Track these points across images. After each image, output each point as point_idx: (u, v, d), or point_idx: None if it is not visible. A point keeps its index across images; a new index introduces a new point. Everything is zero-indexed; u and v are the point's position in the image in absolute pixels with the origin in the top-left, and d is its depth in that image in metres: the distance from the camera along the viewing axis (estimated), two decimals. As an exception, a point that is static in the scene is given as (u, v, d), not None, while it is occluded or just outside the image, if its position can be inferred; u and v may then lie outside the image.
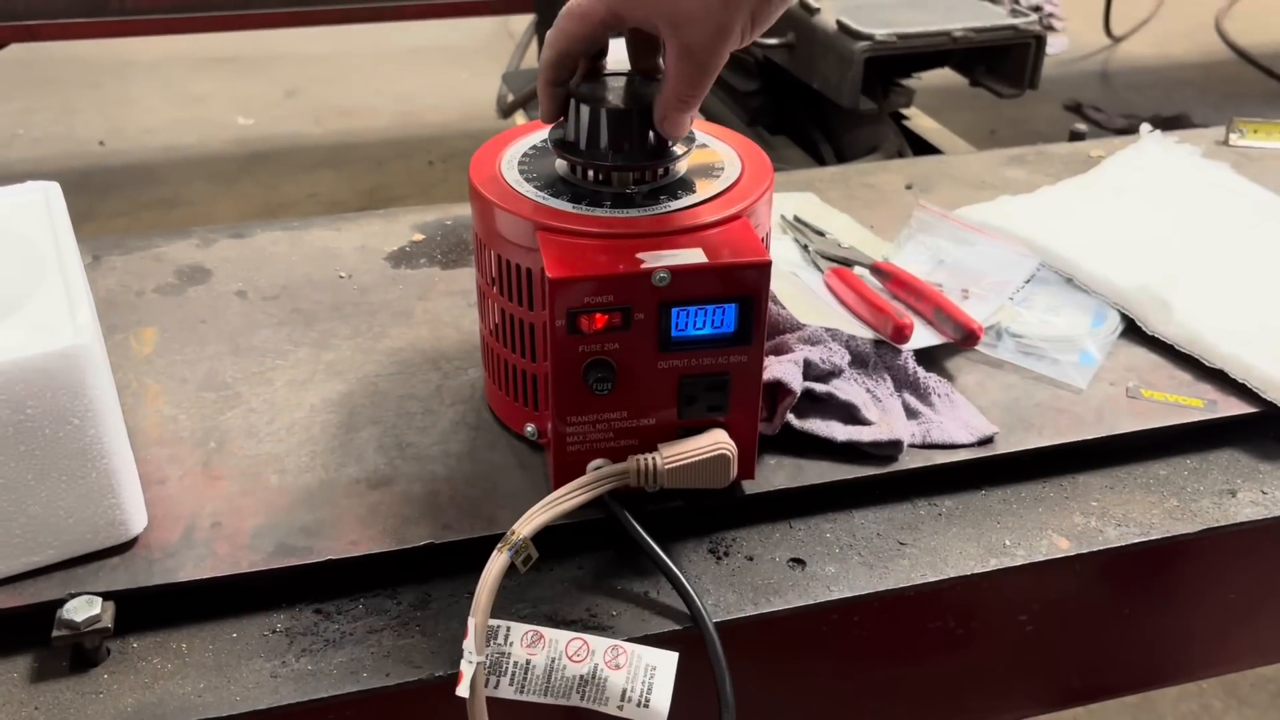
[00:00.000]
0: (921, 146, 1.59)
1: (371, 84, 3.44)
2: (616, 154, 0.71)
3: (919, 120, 1.67)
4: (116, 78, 3.45)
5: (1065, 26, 3.93)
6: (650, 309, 0.66)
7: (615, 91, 0.71)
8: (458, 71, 3.50)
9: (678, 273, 0.65)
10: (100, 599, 0.64)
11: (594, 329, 0.66)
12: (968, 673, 0.80)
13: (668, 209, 0.70)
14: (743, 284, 0.66)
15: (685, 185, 0.73)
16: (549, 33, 0.69)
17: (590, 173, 0.72)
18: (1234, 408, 0.83)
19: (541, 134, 0.78)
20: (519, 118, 2.00)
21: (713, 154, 0.77)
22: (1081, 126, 1.30)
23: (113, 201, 2.76)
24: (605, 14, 0.67)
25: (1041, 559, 0.74)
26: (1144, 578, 0.79)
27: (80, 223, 0.76)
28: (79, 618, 0.63)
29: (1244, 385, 0.84)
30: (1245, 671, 0.92)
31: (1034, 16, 1.39)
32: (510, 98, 1.96)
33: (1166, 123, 2.98)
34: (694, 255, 0.66)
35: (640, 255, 0.66)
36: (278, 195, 2.82)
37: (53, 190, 0.78)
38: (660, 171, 0.73)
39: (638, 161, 0.71)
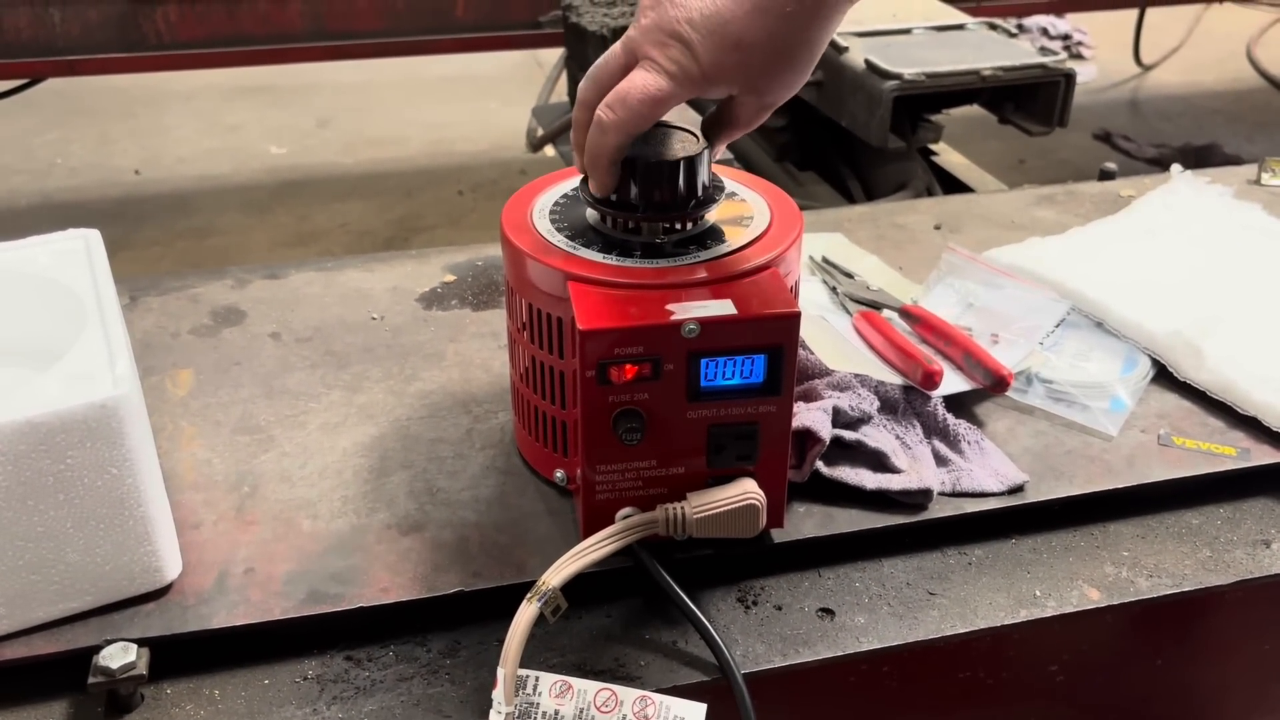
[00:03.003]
0: (950, 182, 1.59)
1: (402, 114, 3.47)
2: (647, 205, 0.72)
3: (947, 156, 1.67)
4: (151, 108, 3.50)
5: (1094, 55, 3.92)
6: (680, 359, 0.66)
7: (647, 143, 0.72)
8: (487, 101, 3.53)
9: (707, 324, 0.65)
10: (135, 645, 0.65)
11: (624, 379, 0.66)
12: (998, 723, 0.79)
13: (697, 259, 0.71)
14: (772, 335, 0.66)
15: (715, 235, 0.73)
16: (615, 117, 0.67)
17: (620, 222, 0.73)
18: (1268, 456, 0.83)
19: (572, 182, 0.79)
20: (548, 151, 2.02)
21: (742, 203, 0.77)
22: (1111, 166, 1.29)
23: (147, 230, 2.79)
24: (684, 95, 0.67)
25: (1072, 610, 0.73)
26: (1177, 629, 0.78)
27: (116, 252, 0.77)
28: (115, 664, 0.64)
29: (1278, 433, 0.83)
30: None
31: (1063, 55, 1.39)
32: (540, 132, 1.98)
33: (1197, 152, 2.98)
34: (723, 307, 0.67)
35: (670, 306, 0.66)
36: (309, 224, 2.85)
37: (93, 238, 0.79)
38: (690, 221, 0.73)
39: (668, 212, 0.72)
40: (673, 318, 0.65)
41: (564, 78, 2.13)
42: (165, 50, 2.23)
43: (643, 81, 0.67)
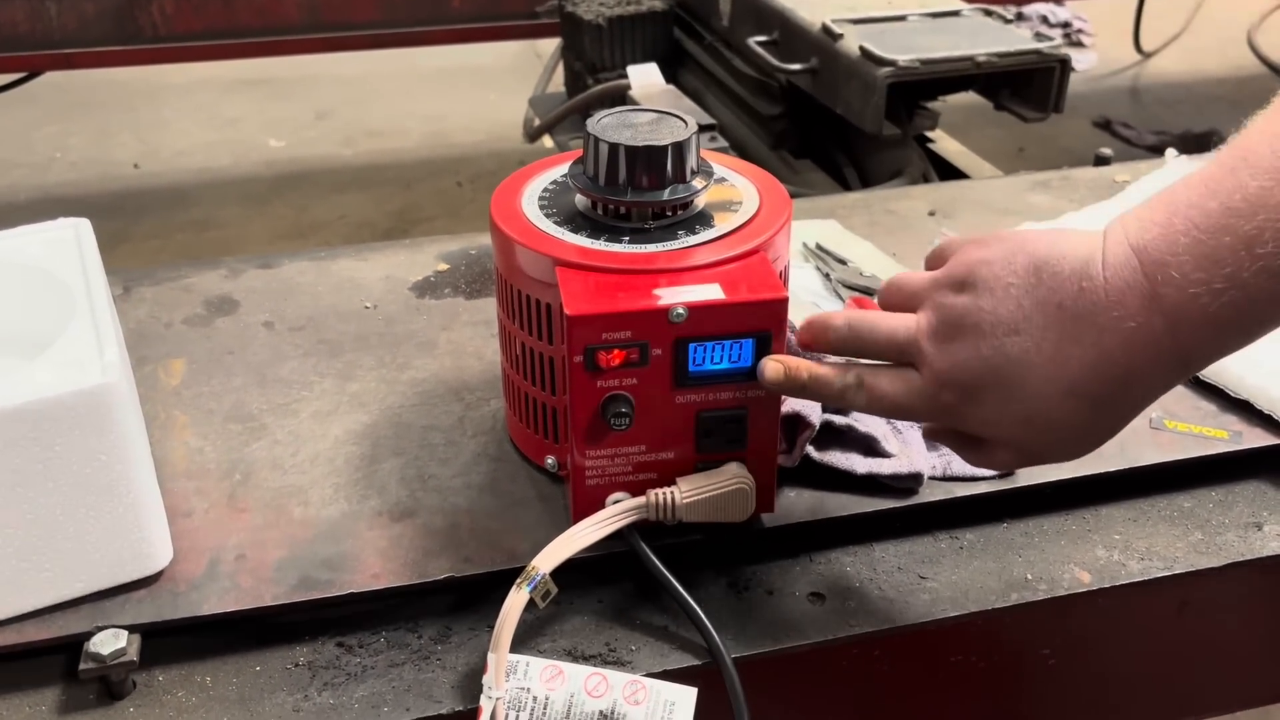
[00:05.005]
0: (946, 169, 1.59)
1: (401, 105, 3.47)
2: (635, 190, 0.71)
3: (944, 143, 1.66)
4: (150, 101, 3.50)
5: (1094, 42, 3.91)
6: (667, 345, 0.66)
7: (635, 128, 0.72)
8: (486, 92, 3.53)
9: (694, 309, 0.65)
10: (126, 632, 0.65)
11: (612, 365, 0.66)
12: (990, 707, 0.79)
13: (686, 244, 0.71)
14: (760, 319, 0.66)
15: (703, 220, 0.73)
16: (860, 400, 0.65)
17: (609, 208, 0.73)
18: (1259, 439, 0.83)
19: (562, 169, 0.79)
20: (546, 141, 2.02)
21: (731, 188, 0.77)
22: (1106, 151, 1.29)
23: (147, 224, 2.79)
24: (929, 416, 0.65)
25: (1064, 593, 0.73)
26: (1168, 611, 0.78)
27: (115, 245, 0.78)
28: (105, 650, 0.64)
29: (1270, 416, 0.83)
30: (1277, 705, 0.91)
31: (1058, 40, 1.38)
32: (537, 121, 1.98)
33: (1197, 139, 2.97)
34: (711, 291, 0.67)
35: (657, 291, 0.66)
36: (308, 217, 2.85)
37: (83, 227, 0.80)
38: (678, 207, 0.73)
39: (656, 197, 0.72)
40: (660, 302, 0.65)
41: (561, 68, 2.13)
42: (162, 43, 2.23)
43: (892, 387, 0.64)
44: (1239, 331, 0.55)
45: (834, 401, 0.66)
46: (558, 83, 2.19)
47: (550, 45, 2.34)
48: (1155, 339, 0.55)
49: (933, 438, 0.71)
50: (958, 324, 0.61)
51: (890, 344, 0.64)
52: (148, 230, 2.76)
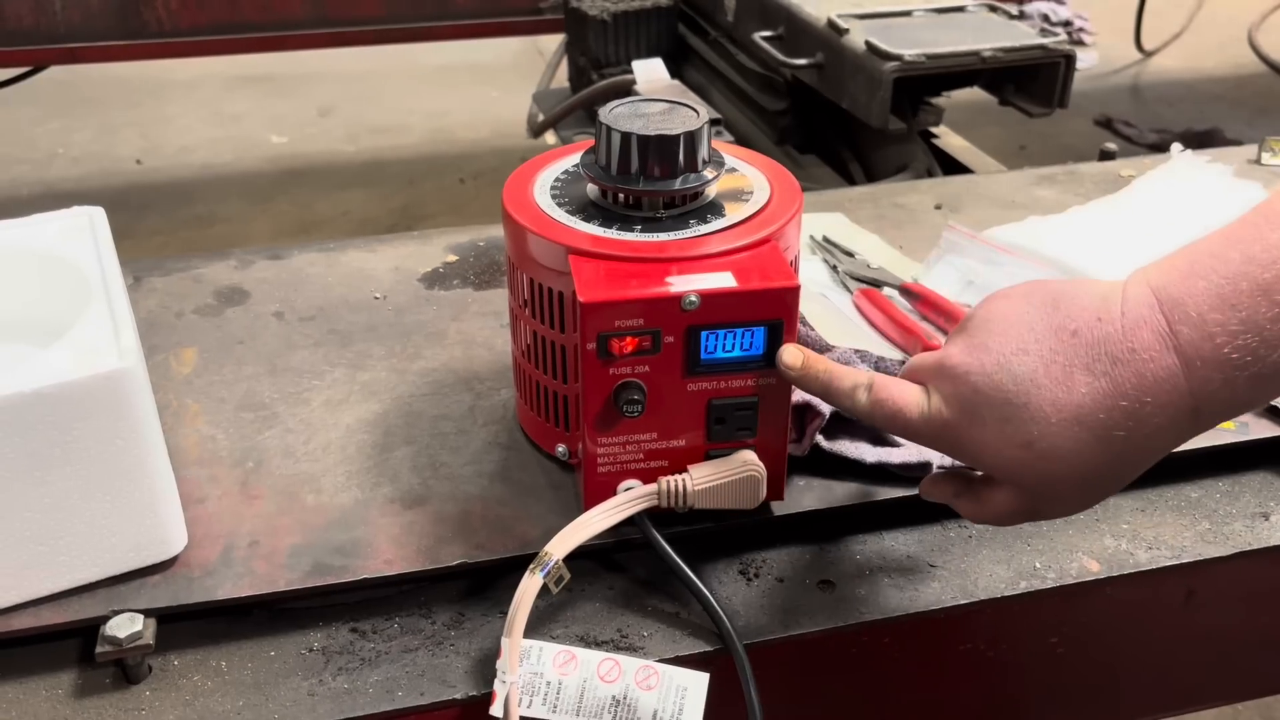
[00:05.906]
0: (951, 165, 1.59)
1: (404, 102, 3.47)
2: (647, 179, 0.72)
3: (948, 138, 1.66)
4: (154, 97, 3.50)
5: (1095, 41, 3.92)
6: (679, 332, 0.66)
7: (647, 118, 0.73)
8: (488, 89, 3.53)
9: (707, 296, 0.66)
10: (142, 616, 0.66)
11: (624, 352, 0.66)
12: (999, 695, 0.80)
13: (697, 233, 0.71)
14: (771, 308, 0.67)
15: (715, 209, 0.74)
16: (834, 372, 0.66)
17: (621, 197, 0.73)
18: (1266, 430, 0.83)
19: (573, 159, 0.79)
20: (549, 137, 2.02)
21: (742, 178, 0.78)
22: (1112, 146, 1.29)
23: (150, 219, 2.80)
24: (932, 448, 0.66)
25: (1072, 582, 0.74)
26: (1175, 601, 0.79)
27: (118, 240, 0.78)
28: (122, 634, 0.64)
29: (1276, 408, 0.84)
30: (1281, 694, 0.92)
31: (1063, 35, 1.39)
32: (540, 117, 1.98)
33: (1198, 137, 2.97)
34: (723, 279, 0.67)
35: (670, 279, 0.67)
36: (311, 213, 2.85)
37: (97, 215, 0.80)
38: (690, 196, 0.74)
39: (668, 186, 0.72)
40: (672, 290, 0.66)
41: (564, 63, 2.13)
42: (166, 38, 2.23)
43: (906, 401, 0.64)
44: (1253, 381, 0.54)
45: (842, 399, 0.66)
46: (561, 79, 2.19)
47: (552, 43, 2.35)
48: (1169, 377, 0.55)
49: (932, 494, 0.71)
50: (966, 343, 0.62)
51: (905, 369, 0.67)
52: (151, 226, 2.77)
